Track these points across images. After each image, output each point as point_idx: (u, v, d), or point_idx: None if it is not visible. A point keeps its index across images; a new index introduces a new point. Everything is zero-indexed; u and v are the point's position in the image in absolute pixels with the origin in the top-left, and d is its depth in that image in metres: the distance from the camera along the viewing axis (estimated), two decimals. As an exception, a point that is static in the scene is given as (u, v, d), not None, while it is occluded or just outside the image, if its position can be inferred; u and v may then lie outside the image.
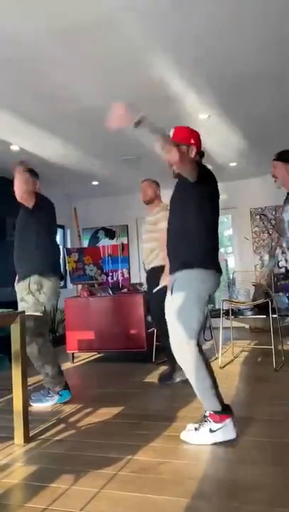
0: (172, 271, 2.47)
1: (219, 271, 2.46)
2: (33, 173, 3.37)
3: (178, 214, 2.48)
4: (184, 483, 1.91)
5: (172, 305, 2.43)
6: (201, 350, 2.37)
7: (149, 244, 3.83)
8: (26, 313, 3.15)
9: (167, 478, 1.98)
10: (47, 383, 3.27)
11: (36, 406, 3.21)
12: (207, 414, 2.35)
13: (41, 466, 2.19)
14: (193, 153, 2.50)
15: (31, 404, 3.21)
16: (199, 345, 2.37)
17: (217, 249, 2.53)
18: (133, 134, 4.79)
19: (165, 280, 2.47)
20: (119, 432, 2.61)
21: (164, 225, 3.62)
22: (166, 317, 2.50)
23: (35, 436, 2.60)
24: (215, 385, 2.36)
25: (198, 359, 2.34)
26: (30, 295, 3.20)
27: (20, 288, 3.25)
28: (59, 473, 2.08)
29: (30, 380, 3.74)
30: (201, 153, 2.57)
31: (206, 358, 2.39)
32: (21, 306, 3.22)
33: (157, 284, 3.37)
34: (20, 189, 3.22)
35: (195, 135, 2.56)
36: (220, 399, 2.35)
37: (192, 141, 2.51)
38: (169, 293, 2.49)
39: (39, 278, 3.21)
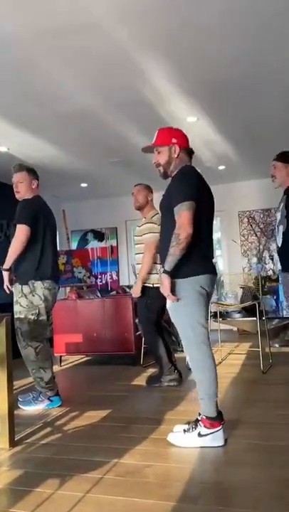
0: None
1: (214, 273, 2.44)
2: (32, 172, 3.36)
3: (169, 217, 2.42)
4: (170, 486, 1.90)
5: (175, 310, 2.41)
6: (210, 353, 2.37)
7: (141, 255, 3.80)
8: (19, 316, 3.14)
9: (154, 482, 1.96)
10: (40, 388, 3.23)
11: (24, 409, 3.18)
12: (200, 418, 2.34)
13: (26, 471, 2.16)
14: (176, 152, 2.46)
15: (19, 406, 3.17)
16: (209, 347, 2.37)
17: (212, 252, 2.52)
18: (121, 136, 4.81)
19: (164, 288, 2.41)
20: (106, 435, 2.59)
21: (147, 236, 3.65)
22: (172, 320, 2.49)
23: (21, 441, 2.57)
24: (217, 391, 2.36)
25: (211, 360, 2.35)
26: (24, 297, 3.16)
27: (15, 290, 3.21)
28: (44, 477, 2.05)
29: (17, 384, 3.70)
30: (189, 151, 2.53)
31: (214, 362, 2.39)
32: (16, 308, 3.18)
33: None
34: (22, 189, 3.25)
35: (176, 133, 2.52)
36: (217, 406, 2.35)
37: (173, 141, 2.47)
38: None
39: (33, 281, 3.17)
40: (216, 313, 4.56)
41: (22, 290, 3.16)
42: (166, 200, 2.45)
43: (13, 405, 2.56)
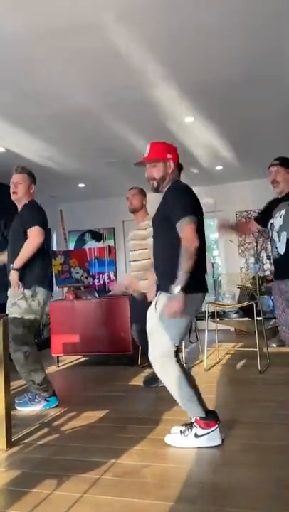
0: (160, 288, 2.44)
1: (206, 291, 2.44)
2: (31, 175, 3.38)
3: (163, 232, 2.44)
4: (168, 486, 1.90)
5: (156, 319, 2.39)
6: (179, 361, 2.35)
7: (145, 261, 3.77)
8: (15, 317, 3.12)
9: (151, 482, 1.97)
10: (34, 390, 3.22)
11: (21, 410, 3.17)
12: (193, 420, 2.34)
13: (24, 471, 2.16)
14: (171, 168, 2.49)
15: (16, 407, 3.17)
16: (177, 356, 2.36)
17: (205, 270, 2.46)
18: (119, 137, 4.81)
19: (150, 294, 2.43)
20: (103, 435, 2.59)
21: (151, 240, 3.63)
22: (147, 327, 2.47)
23: (18, 441, 2.56)
24: (198, 392, 2.36)
25: (179, 371, 2.32)
26: (24, 300, 3.15)
27: (15, 293, 3.17)
28: (42, 478, 2.05)
29: (14, 384, 3.69)
30: (179, 167, 2.59)
31: (184, 368, 2.38)
32: (13, 310, 3.15)
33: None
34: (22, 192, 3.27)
35: (171, 149, 2.54)
36: (203, 405, 2.34)
37: (168, 156, 2.50)
38: (153, 305, 2.45)
39: (36, 286, 3.17)
40: (213, 313, 4.56)
41: (24, 293, 3.14)
42: (162, 214, 2.46)
43: (10, 406, 2.56)
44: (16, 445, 2.51)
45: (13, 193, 3.29)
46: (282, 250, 2.91)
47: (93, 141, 4.91)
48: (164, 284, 2.39)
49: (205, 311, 4.39)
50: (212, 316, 4.56)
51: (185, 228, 2.27)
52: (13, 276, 3.13)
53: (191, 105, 4.13)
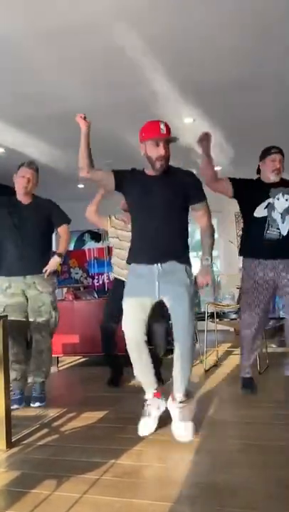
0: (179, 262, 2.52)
1: None
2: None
3: (176, 212, 2.52)
4: (167, 486, 1.90)
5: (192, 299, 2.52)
6: None
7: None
8: (55, 306, 3.37)
9: (150, 483, 1.97)
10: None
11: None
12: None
13: (23, 472, 2.15)
14: (147, 147, 2.48)
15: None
16: None
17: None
18: (118, 137, 4.81)
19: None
20: (103, 436, 2.59)
21: None
22: (187, 310, 2.49)
23: (18, 442, 2.56)
24: None
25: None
26: (54, 293, 3.46)
27: (48, 281, 3.34)
28: (41, 478, 2.05)
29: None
30: (170, 140, 2.50)
31: None
32: (51, 298, 3.34)
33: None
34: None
35: (143, 129, 2.53)
36: None
37: (141, 136, 2.53)
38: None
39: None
40: (212, 313, 4.56)
41: (53, 284, 3.40)
42: (179, 194, 2.50)
43: (9, 406, 2.56)
44: (16, 446, 2.50)
45: (25, 187, 3.29)
46: (284, 231, 3.09)
47: (92, 141, 4.89)
48: (185, 258, 2.53)
49: (204, 312, 4.40)
50: (212, 316, 4.56)
51: (207, 208, 2.58)
52: (57, 262, 3.38)
53: (191, 106, 4.14)
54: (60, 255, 3.41)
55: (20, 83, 3.51)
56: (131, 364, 2.57)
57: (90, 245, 8.01)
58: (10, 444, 2.49)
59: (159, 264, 2.45)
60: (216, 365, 4.39)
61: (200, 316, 4.87)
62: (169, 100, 3.98)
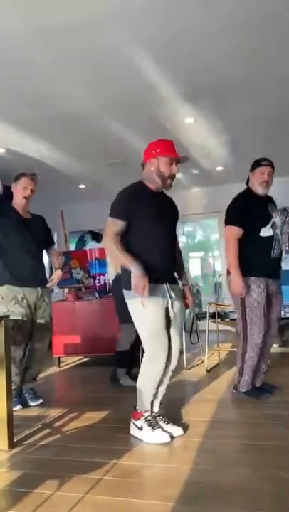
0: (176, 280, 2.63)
1: None
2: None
3: (174, 229, 2.69)
4: (168, 486, 1.91)
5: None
6: None
7: None
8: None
9: (152, 482, 1.98)
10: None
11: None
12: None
13: (25, 472, 2.17)
14: (160, 164, 2.50)
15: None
16: None
17: None
18: (119, 138, 4.82)
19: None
20: (104, 436, 2.60)
21: None
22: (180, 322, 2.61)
23: (20, 442, 2.57)
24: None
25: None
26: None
27: (48, 293, 3.47)
28: (43, 478, 2.06)
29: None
30: (183, 160, 2.58)
31: None
32: (49, 310, 3.43)
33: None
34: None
35: (156, 145, 2.53)
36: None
37: (155, 152, 2.51)
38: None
39: None
40: (214, 313, 4.57)
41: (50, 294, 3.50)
42: (174, 214, 2.71)
43: (11, 407, 2.57)
44: (18, 446, 2.51)
45: (25, 198, 3.32)
46: (283, 249, 3.13)
47: (93, 142, 4.92)
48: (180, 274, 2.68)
49: (206, 312, 4.40)
50: (213, 316, 4.56)
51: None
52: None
53: (192, 106, 4.14)
54: (61, 269, 3.64)
55: (20, 83, 3.52)
56: (137, 364, 2.65)
57: (91, 246, 8.02)
58: (12, 444, 2.50)
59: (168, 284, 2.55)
60: (217, 365, 4.39)
61: (201, 316, 4.88)
62: (169, 100, 3.98)
